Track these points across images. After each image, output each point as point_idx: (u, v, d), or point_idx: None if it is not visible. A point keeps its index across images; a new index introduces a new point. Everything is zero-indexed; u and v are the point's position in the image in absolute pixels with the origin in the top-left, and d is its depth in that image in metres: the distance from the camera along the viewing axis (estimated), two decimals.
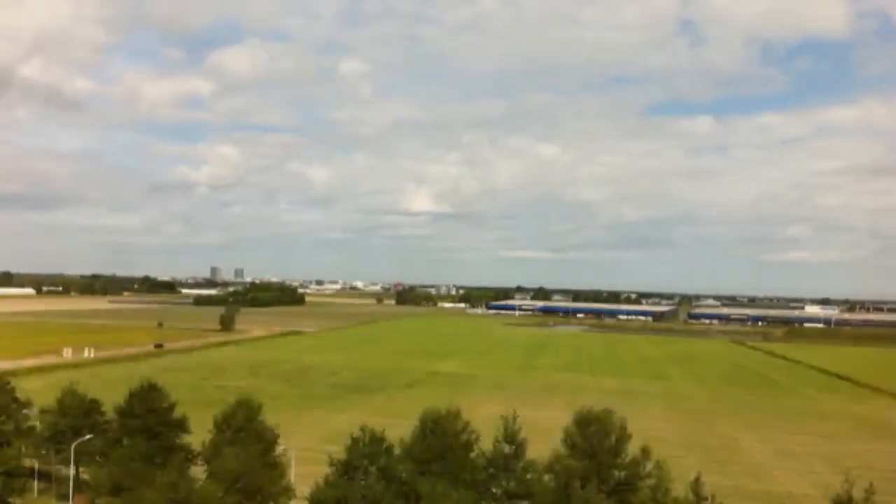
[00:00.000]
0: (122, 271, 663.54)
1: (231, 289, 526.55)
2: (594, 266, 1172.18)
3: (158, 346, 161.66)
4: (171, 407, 54.92)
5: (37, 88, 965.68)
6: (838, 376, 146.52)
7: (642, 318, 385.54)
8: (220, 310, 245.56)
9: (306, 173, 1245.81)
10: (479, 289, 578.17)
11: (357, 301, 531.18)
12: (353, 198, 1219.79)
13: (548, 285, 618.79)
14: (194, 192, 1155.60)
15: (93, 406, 55.66)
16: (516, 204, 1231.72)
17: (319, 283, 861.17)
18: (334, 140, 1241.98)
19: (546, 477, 42.92)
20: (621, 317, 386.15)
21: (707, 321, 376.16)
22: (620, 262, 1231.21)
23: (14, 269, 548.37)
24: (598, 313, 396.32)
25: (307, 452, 57.93)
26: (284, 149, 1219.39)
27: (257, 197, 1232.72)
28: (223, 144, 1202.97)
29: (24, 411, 56.75)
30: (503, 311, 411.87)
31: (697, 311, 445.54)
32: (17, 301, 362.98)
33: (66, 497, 50.99)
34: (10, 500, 50.23)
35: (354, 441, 42.89)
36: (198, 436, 51.75)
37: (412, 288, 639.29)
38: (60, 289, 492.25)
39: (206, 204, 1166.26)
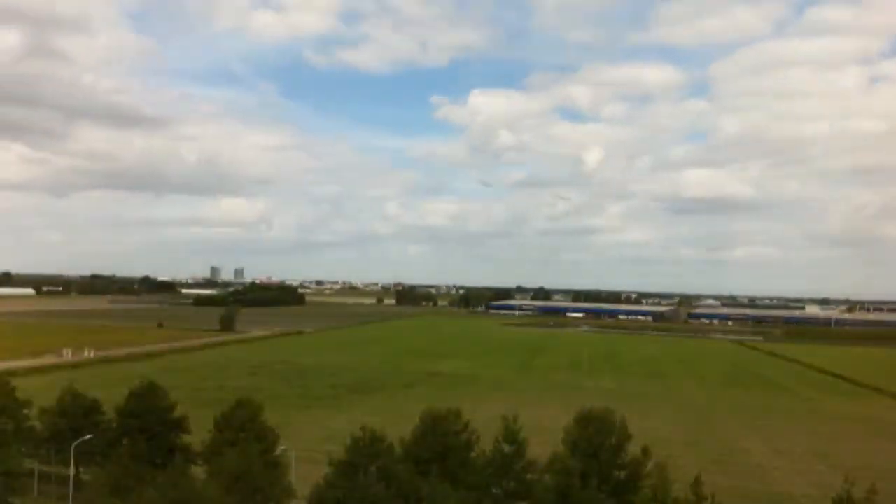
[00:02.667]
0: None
1: (231, 289, 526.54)
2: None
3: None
4: (172, 407, 54.98)
5: None
6: (838, 376, 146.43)
7: (642, 318, 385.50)
8: (220, 310, 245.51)
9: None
10: (478, 289, 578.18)
11: (357, 301, 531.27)
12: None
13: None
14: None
15: (93, 406, 55.68)
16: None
17: (319, 283, 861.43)
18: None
19: (546, 477, 42.93)
20: (621, 317, 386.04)
21: (707, 321, 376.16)
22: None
23: (14, 270, 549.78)
24: (598, 313, 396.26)
25: (307, 452, 57.91)
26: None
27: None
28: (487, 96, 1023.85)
29: (24, 411, 56.74)
30: (503, 312, 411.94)
31: (697, 311, 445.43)
32: (17, 301, 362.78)
33: (65, 497, 50.96)
34: (9, 500, 50.21)
35: (354, 441, 42.87)
36: (198, 436, 51.75)
37: (412, 287, 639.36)
38: (60, 289, 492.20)
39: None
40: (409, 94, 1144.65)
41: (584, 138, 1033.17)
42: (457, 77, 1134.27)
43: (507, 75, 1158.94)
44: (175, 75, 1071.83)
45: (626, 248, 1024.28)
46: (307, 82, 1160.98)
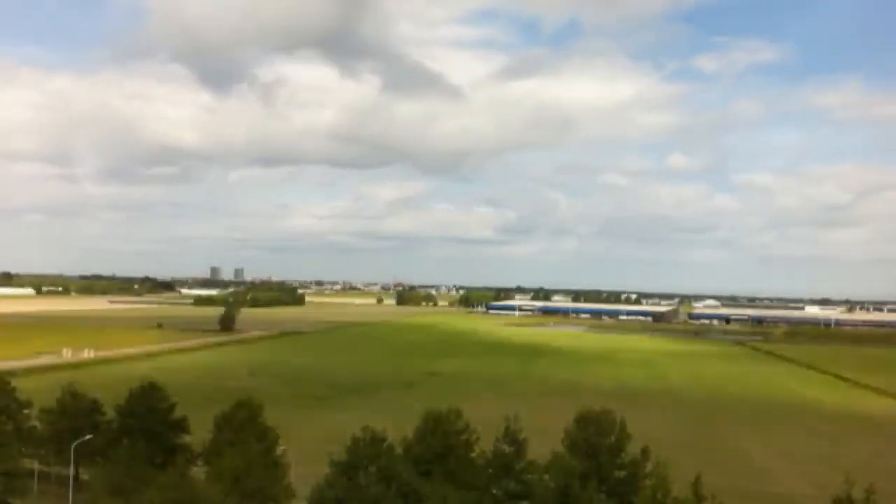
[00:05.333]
0: None
1: (231, 289, 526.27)
2: None
3: None
4: (171, 407, 54.97)
5: None
6: (838, 376, 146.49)
7: (642, 318, 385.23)
8: (220, 310, 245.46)
9: None
10: (479, 289, 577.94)
11: (357, 301, 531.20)
12: None
13: None
14: None
15: (93, 406, 55.66)
16: None
17: (319, 283, 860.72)
18: None
19: (546, 477, 42.94)
20: (621, 317, 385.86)
21: (707, 321, 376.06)
22: None
23: (14, 270, 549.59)
24: (598, 313, 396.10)
25: (307, 453, 57.84)
26: None
27: None
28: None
29: (24, 411, 56.72)
30: (503, 312, 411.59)
31: (697, 311, 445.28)
32: (17, 301, 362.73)
33: (65, 497, 50.95)
34: (9, 500, 50.21)
35: (355, 441, 42.86)
36: (198, 436, 51.72)
37: (412, 288, 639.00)
38: (60, 289, 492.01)
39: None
40: None
41: None
42: None
43: None
44: None
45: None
46: None
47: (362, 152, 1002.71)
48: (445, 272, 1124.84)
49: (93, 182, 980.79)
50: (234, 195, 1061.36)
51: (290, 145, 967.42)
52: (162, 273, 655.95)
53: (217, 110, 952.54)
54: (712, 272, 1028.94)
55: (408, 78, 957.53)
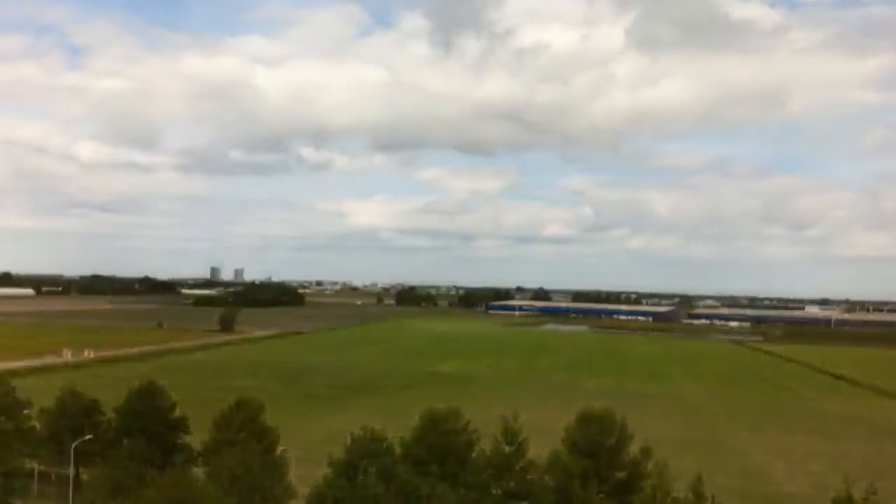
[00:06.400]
0: None
1: (231, 289, 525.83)
2: None
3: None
4: (172, 407, 54.91)
5: None
6: (838, 376, 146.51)
7: (642, 318, 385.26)
8: (220, 310, 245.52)
9: None
10: (479, 289, 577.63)
11: (357, 301, 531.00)
12: None
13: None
14: None
15: (93, 406, 55.57)
16: None
17: (319, 283, 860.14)
18: None
19: (546, 477, 42.92)
20: (621, 317, 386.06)
21: (707, 321, 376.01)
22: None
23: (14, 270, 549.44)
24: (598, 313, 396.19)
25: (307, 453, 57.88)
26: None
27: None
28: None
29: (25, 411, 56.66)
30: (503, 312, 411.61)
31: (697, 311, 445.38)
32: (17, 301, 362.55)
33: (65, 497, 50.93)
34: (9, 501, 50.22)
35: (354, 441, 42.82)
36: (198, 436, 51.70)
37: (412, 288, 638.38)
38: (60, 289, 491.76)
39: None
40: None
41: None
42: None
43: None
44: None
45: None
46: None
47: (507, 132, 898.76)
48: (497, 272, 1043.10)
49: (169, 171, 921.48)
50: (318, 186, 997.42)
51: (434, 123, 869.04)
52: (161, 273, 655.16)
53: (416, 72, 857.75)
54: (794, 273, 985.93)
55: (702, 26, 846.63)
